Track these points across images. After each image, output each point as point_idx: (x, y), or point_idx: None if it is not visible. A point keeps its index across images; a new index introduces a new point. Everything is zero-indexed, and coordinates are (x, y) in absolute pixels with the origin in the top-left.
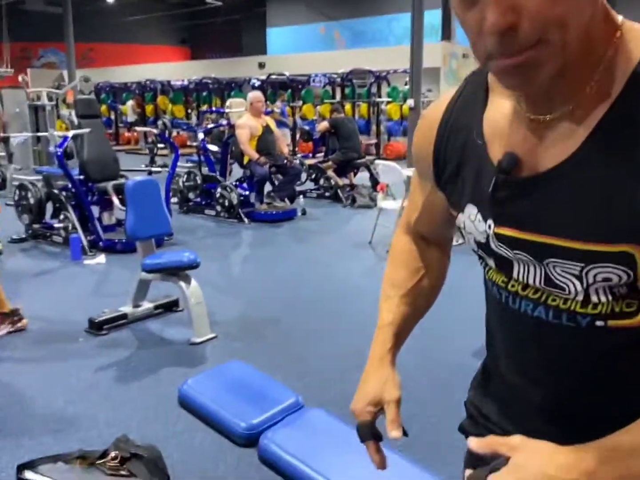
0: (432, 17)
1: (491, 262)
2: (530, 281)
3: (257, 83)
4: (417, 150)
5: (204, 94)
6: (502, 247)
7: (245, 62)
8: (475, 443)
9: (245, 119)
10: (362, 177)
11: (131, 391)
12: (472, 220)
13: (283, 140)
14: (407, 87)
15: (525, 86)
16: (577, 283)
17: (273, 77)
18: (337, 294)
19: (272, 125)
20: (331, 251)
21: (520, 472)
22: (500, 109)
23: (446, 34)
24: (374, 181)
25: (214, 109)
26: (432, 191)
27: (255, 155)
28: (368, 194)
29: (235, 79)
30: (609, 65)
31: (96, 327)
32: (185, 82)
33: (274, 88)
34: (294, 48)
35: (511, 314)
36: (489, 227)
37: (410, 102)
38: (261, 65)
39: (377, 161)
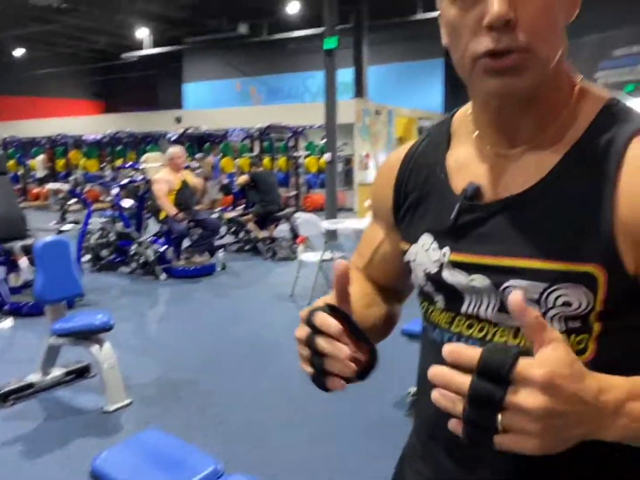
0: (345, 76)
1: (438, 298)
2: (482, 312)
3: (174, 137)
4: (376, 191)
5: (119, 148)
6: (456, 274)
7: (162, 116)
8: (520, 302)
9: (162, 173)
10: (282, 230)
11: (40, 466)
12: (425, 249)
13: (202, 190)
14: (323, 141)
15: (507, 91)
16: (535, 308)
17: (190, 131)
18: (258, 351)
19: (190, 179)
20: (252, 306)
21: (564, 367)
22: (462, 149)
23: (359, 91)
24: (294, 233)
25: (128, 163)
26: (386, 235)
27: (173, 211)
28: (288, 246)
29: (151, 133)
30: (573, 110)
31: (1, 398)
32: (99, 136)
33: (191, 142)
34: (210, 103)
35: None
36: (444, 254)
37: (327, 156)
38: (178, 120)
39: (296, 214)
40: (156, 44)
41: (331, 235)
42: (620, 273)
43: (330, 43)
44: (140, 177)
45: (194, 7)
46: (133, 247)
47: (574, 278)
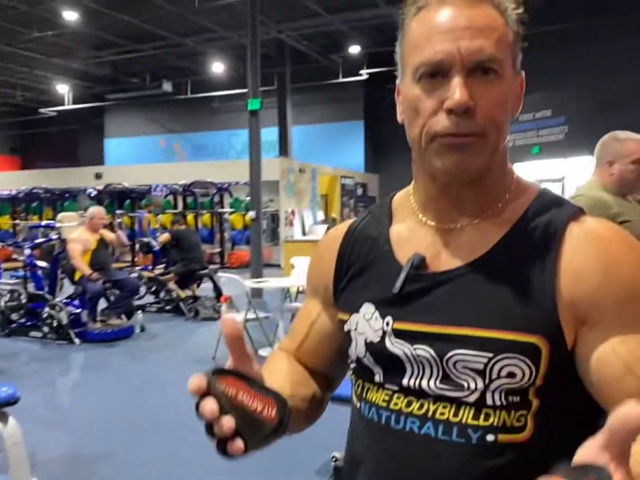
0: (270, 134)
1: (377, 371)
2: (424, 383)
3: (94, 193)
4: (316, 265)
5: (35, 204)
6: (399, 343)
7: (81, 172)
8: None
9: (78, 233)
10: (206, 288)
11: None
12: (367, 319)
13: (119, 242)
14: (249, 198)
15: (459, 169)
16: (479, 380)
17: (111, 186)
18: (177, 420)
19: (107, 236)
20: (171, 370)
21: None
22: (405, 224)
23: (283, 150)
24: (218, 292)
25: (43, 223)
26: (322, 310)
27: (88, 271)
28: (212, 305)
29: (69, 188)
30: (512, 195)
31: None
32: (14, 192)
33: (112, 198)
34: (133, 159)
35: (393, 437)
36: (387, 323)
37: (252, 213)
38: (98, 176)
39: (219, 273)
40: (77, 99)
41: (256, 292)
42: (562, 346)
43: (253, 104)
44: (55, 235)
45: (115, 65)
46: (45, 310)
47: (518, 348)
